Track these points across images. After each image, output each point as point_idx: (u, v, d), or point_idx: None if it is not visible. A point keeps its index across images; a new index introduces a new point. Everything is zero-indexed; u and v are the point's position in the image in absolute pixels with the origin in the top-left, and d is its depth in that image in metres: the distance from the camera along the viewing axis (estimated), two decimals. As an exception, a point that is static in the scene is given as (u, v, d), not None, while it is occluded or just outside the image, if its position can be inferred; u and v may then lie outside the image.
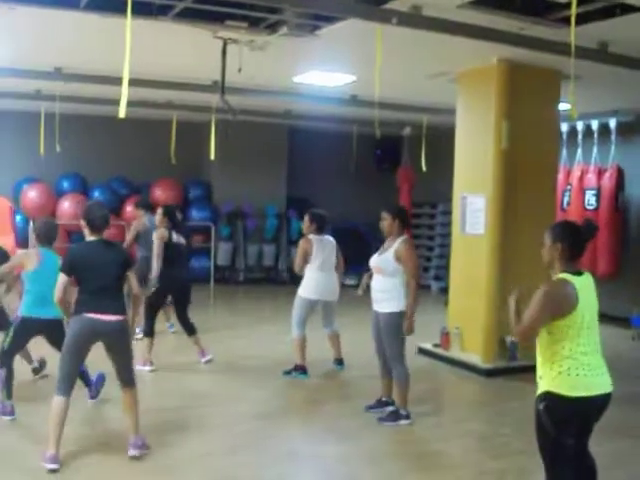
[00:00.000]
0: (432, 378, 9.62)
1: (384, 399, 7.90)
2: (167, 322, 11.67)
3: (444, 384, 9.75)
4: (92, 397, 7.90)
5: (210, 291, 16.65)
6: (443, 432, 7.49)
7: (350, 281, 15.64)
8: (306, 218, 9.50)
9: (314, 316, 9.64)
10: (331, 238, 9.61)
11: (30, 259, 7.43)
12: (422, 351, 10.65)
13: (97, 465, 6.21)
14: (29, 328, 7.37)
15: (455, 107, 10.73)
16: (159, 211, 9.88)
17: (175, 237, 9.66)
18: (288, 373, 9.39)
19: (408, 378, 7.52)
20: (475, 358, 9.91)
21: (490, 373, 9.72)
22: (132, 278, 6.63)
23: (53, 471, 5.88)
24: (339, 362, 9.87)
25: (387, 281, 7.43)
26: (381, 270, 7.48)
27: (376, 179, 20.08)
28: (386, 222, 7.53)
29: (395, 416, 7.54)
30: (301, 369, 9.38)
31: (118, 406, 6.82)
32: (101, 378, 7.93)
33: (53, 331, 7.36)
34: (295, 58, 10.08)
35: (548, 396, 4.57)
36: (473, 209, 10.04)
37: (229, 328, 12.13)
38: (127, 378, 6.43)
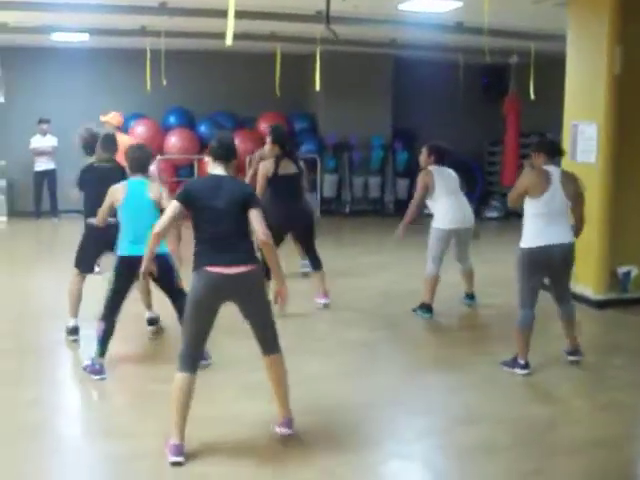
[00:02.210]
0: (542, 309, 9.49)
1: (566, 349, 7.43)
2: (302, 260, 10.67)
3: (554, 315, 9.61)
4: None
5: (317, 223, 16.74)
6: (553, 363, 7.36)
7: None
8: (424, 150, 9.12)
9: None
10: (451, 170, 9.18)
11: (117, 192, 6.85)
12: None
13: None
14: (130, 268, 6.59)
15: (564, 33, 10.41)
16: (268, 139, 9.17)
17: (283, 168, 8.97)
18: (414, 311, 9.13)
19: (522, 325, 7.08)
20: (586, 289, 9.72)
21: (601, 305, 9.56)
22: (256, 219, 5.29)
23: (177, 464, 5.03)
24: (470, 296, 9.52)
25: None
26: None
27: (483, 109, 19.69)
28: (533, 157, 7.15)
29: (513, 363, 7.13)
30: (427, 307, 9.07)
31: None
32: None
33: (158, 269, 6.56)
34: (400, -16, 9.92)
35: None
36: (584, 137, 9.77)
37: (337, 260, 12.16)
38: (271, 342, 5.47)
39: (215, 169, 5.39)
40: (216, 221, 5.22)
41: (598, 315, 9.36)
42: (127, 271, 6.72)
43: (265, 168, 8.98)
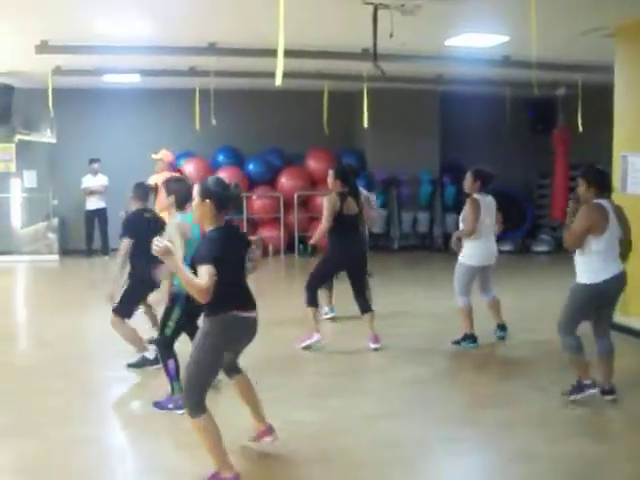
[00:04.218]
0: (594, 344, 9.40)
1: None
2: (327, 305, 10.59)
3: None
4: None
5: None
6: (604, 399, 7.25)
7: (506, 247, 15.59)
8: (468, 175, 8.99)
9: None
10: (492, 198, 9.12)
11: (188, 229, 6.63)
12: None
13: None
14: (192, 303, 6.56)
15: (611, 64, 10.38)
16: (330, 172, 9.10)
17: (347, 208, 8.85)
18: (457, 343, 9.15)
19: (576, 349, 6.94)
20: (638, 321, 9.60)
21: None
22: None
23: None
24: (502, 328, 9.43)
25: (577, 251, 6.93)
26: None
27: (530, 142, 19.61)
28: (580, 188, 6.95)
29: (580, 389, 6.95)
30: (470, 338, 9.11)
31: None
32: None
33: None
34: (446, 20, 9.95)
35: None
36: (635, 168, 9.71)
37: (387, 296, 12.12)
38: (238, 366, 5.75)
39: (220, 218, 5.19)
40: (236, 269, 5.24)
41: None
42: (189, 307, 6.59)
43: (332, 203, 8.84)
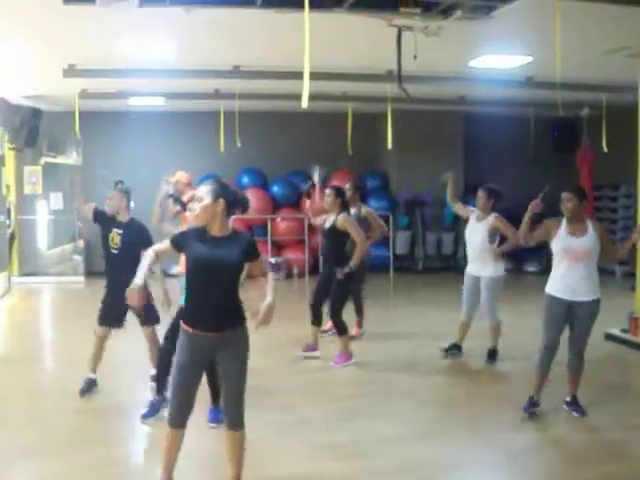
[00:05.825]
0: (620, 365, 9.36)
1: (536, 399, 7.34)
2: (360, 328, 10.82)
3: (632, 371, 9.45)
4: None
5: (389, 280, 16.76)
6: (631, 421, 7.21)
7: (531, 267, 15.60)
8: (482, 194, 9.01)
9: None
10: None
11: None
12: (609, 337, 10.34)
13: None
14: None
15: (635, 84, 10.37)
16: (329, 192, 9.16)
17: None
18: (493, 360, 9.21)
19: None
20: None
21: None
22: None
23: None
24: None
25: (591, 266, 7.05)
26: (590, 254, 7.01)
27: (554, 163, 19.55)
28: (571, 203, 7.16)
29: (577, 403, 7.32)
30: (497, 353, 9.24)
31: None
32: None
33: None
34: (470, 42, 9.96)
35: None
36: (660, 189, 9.70)
37: (411, 316, 12.12)
38: None
39: (228, 223, 5.21)
40: None
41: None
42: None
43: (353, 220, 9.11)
